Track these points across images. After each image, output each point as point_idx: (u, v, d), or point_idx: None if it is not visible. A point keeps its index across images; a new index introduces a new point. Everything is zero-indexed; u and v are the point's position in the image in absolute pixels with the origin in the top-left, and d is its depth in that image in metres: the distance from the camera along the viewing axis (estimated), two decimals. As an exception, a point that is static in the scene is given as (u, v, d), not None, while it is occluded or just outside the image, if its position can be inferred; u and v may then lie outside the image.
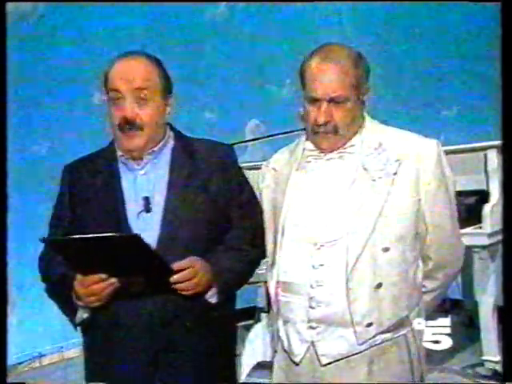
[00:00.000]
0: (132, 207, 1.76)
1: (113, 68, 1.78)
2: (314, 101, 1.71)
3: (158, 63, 1.81)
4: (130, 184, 1.79)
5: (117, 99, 1.75)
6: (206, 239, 1.76)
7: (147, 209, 1.75)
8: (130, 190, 1.78)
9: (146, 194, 1.76)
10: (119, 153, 1.82)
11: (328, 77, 1.69)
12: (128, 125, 1.74)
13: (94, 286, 1.63)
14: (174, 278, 1.64)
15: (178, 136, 1.88)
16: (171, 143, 1.85)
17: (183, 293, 1.67)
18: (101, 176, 1.81)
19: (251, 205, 1.87)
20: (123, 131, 1.75)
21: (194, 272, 1.66)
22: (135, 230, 1.71)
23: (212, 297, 1.73)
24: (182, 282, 1.65)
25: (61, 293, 1.76)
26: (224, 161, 1.86)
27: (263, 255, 1.87)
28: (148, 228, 1.72)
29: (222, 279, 1.74)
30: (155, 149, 1.80)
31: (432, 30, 5.29)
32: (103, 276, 1.62)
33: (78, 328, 1.81)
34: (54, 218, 1.90)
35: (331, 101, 1.70)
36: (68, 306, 1.76)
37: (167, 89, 1.82)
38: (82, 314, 1.74)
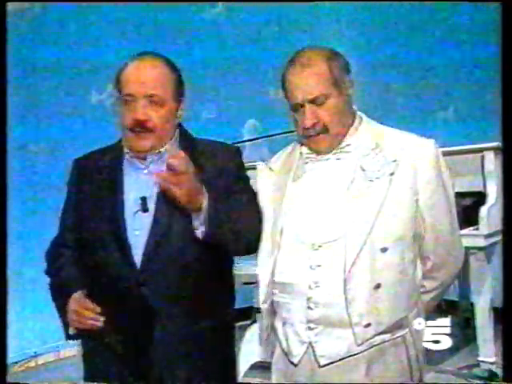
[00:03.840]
0: (130, 206, 1.76)
1: (127, 70, 1.78)
2: (298, 107, 1.74)
3: (172, 66, 1.81)
4: (132, 183, 1.80)
5: (130, 101, 1.74)
6: (198, 242, 1.71)
7: (144, 208, 1.74)
8: (130, 188, 1.79)
9: (144, 193, 1.76)
10: (125, 150, 1.82)
11: (303, 81, 1.72)
12: (139, 127, 1.74)
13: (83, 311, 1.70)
14: (169, 161, 1.58)
15: (185, 137, 1.87)
16: (176, 144, 1.84)
17: (173, 190, 1.59)
18: (105, 173, 1.82)
19: (252, 205, 1.82)
20: (133, 132, 1.75)
21: (185, 167, 1.59)
22: (130, 229, 1.73)
23: (200, 226, 1.67)
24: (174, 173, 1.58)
25: (59, 301, 1.80)
26: (228, 164, 1.85)
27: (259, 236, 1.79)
28: (143, 227, 1.73)
29: (211, 207, 1.66)
30: (161, 149, 1.79)
31: (430, 30, 5.29)
32: (98, 309, 1.69)
33: None
34: (63, 210, 1.92)
35: (312, 102, 1.71)
36: (63, 316, 1.79)
37: (180, 92, 1.82)
38: (72, 329, 1.78)
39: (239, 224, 1.74)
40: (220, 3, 5.48)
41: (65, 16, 4.59)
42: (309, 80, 1.71)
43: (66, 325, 1.78)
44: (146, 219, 1.74)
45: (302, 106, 1.72)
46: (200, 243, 1.70)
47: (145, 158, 1.79)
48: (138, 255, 1.72)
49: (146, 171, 1.80)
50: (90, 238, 1.78)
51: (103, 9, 4.58)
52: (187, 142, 1.86)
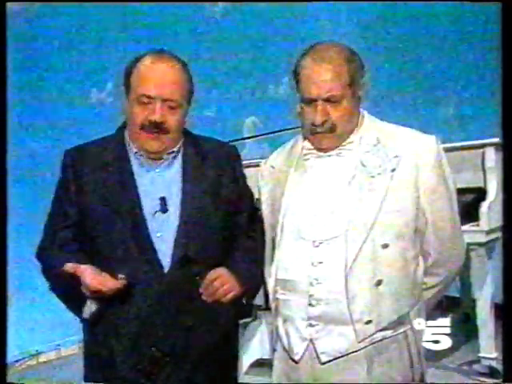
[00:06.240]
0: (148, 207, 1.73)
1: (143, 68, 1.74)
2: (310, 101, 1.72)
3: (186, 67, 1.80)
4: (146, 182, 1.76)
5: (144, 101, 1.71)
6: (220, 239, 1.78)
7: (163, 209, 1.72)
8: (145, 188, 1.75)
9: (162, 193, 1.74)
10: (134, 149, 1.78)
11: (322, 77, 1.70)
12: (155, 128, 1.71)
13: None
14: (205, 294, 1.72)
15: (186, 133, 1.86)
16: (182, 141, 1.83)
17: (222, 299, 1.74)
18: (112, 170, 1.76)
19: (256, 207, 1.89)
20: (146, 131, 1.72)
21: (221, 281, 1.73)
22: (151, 230, 1.71)
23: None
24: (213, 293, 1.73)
25: (67, 285, 1.70)
26: (232, 163, 1.88)
27: None
28: (164, 228, 1.72)
29: (250, 286, 1.81)
30: (175, 149, 1.79)
31: (431, 29, 5.29)
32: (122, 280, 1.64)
33: (78, 326, 1.79)
34: (57, 207, 1.83)
35: (327, 100, 1.70)
36: (75, 299, 1.72)
37: (192, 94, 1.82)
38: (91, 307, 1.69)
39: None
40: (220, 3, 5.48)
41: (65, 16, 4.59)
42: (327, 77, 1.69)
43: (79, 309, 1.71)
44: (167, 220, 1.72)
45: (315, 101, 1.71)
46: (227, 246, 1.81)
47: (159, 159, 1.77)
48: (163, 258, 1.70)
49: (158, 170, 1.77)
50: (100, 241, 1.73)
51: (103, 8, 4.58)
52: (190, 138, 1.85)
